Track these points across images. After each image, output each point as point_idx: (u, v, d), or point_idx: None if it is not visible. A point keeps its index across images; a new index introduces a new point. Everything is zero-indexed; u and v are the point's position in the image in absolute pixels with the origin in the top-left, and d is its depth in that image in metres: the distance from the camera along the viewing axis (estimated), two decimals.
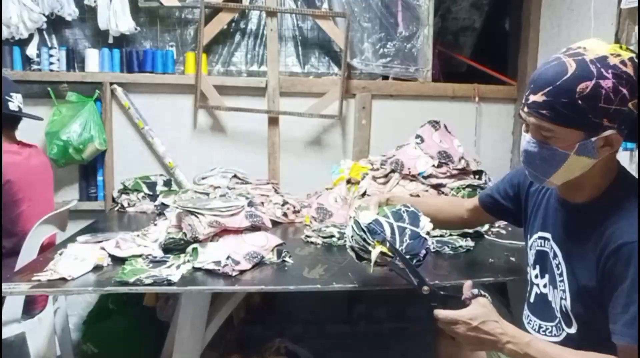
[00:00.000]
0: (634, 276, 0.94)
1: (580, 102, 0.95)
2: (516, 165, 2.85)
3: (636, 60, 0.98)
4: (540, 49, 2.68)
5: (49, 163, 2.10)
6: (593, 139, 0.98)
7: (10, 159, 1.80)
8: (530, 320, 1.22)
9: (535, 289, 1.21)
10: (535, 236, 1.22)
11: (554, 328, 1.14)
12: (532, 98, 1.01)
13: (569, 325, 1.09)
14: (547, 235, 1.18)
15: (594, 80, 0.94)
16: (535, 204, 1.25)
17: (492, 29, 3.33)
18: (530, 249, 1.24)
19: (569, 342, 1.09)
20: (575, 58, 0.98)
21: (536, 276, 1.20)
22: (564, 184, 1.08)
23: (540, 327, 1.18)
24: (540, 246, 1.20)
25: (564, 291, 1.09)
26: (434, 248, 1.72)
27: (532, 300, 1.22)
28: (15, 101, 1.89)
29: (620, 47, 0.99)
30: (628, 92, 0.95)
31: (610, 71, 0.95)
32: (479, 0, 3.31)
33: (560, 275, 1.11)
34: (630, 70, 0.96)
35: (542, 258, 1.19)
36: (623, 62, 0.96)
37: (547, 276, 1.16)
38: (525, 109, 1.03)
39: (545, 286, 1.17)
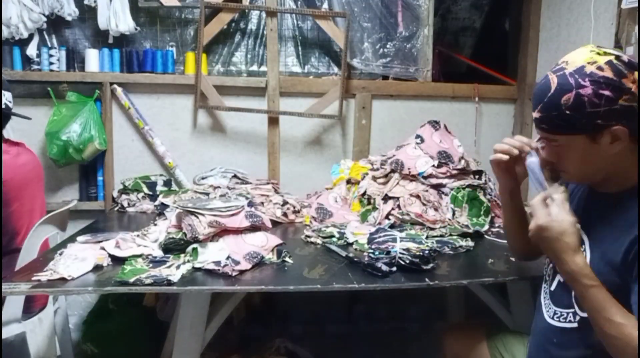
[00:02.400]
0: None
1: (568, 112, 1.04)
2: None
3: (615, 61, 1.03)
4: (540, 49, 2.67)
5: (38, 160, 2.05)
6: (598, 137, 1.04)
7: None
8: (549, 308, 1.24)
9: (558, 277, 1.23)
10: None
11: (570, 314, 1.17)
12: (534, 115, 1.13)
13: (584, 310, 1.11)
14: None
15: (574, 91, 1.03)
16: (572, 200, 1.28)
17: (492, 29, 3.33)
18: None
19: (584, 325, 1.10)
20: (557, 74, 1.07)
21: None
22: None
23: (555, 313, 1.21)
24: None
25: None
26: (434, 249, 1.72)
27: (552, 288, 1.24)
28: (3, 99, 1.84)
29: (598, 53, 1.06)
30: (612, 93, 1.01)
31: (587, 79, 1.03)
32: (479, 0, 3.31)
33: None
34: (607, 73, 1.02)
35: None
36: (599, 68, 1.03)
37: None
38: (534, 126, 1.15)
39: None
